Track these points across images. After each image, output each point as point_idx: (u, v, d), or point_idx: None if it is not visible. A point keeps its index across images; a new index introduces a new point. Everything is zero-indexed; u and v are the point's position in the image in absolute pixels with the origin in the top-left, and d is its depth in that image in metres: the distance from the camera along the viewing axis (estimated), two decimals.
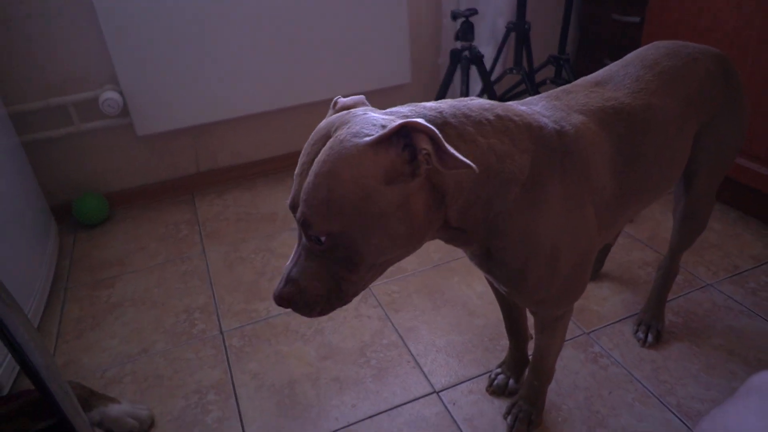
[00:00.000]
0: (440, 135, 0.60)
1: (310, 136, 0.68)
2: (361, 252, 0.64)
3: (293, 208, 0.66)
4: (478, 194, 0.71)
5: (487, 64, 2.22)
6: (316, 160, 0.63)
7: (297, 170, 0.66)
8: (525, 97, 2.38)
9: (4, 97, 1.77)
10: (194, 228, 1.92)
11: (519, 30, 2.03)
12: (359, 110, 0.67)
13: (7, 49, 1.73)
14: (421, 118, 0.66)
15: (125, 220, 2.01)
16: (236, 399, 1.23)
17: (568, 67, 2.10)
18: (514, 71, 2.11)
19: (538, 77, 2.32)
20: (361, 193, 0.61)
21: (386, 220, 0.63)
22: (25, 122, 1.84)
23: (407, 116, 0.67)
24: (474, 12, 1.90)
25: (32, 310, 1.42)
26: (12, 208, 1.47)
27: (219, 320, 1.47)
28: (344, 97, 0.74)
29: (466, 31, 1.92)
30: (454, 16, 1.91)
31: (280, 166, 2.27)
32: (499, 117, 0.72)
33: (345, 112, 0.68)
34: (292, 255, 0.69)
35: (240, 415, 1.19)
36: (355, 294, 0.70)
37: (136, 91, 1.86)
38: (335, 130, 0.65)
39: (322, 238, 0.63)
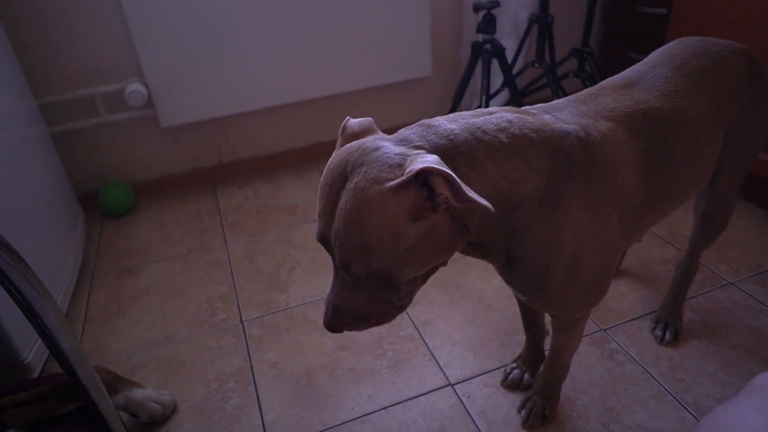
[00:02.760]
0: (456, 178, 0.60)
1: (324, 175, 0.69)
2: (398, 278, 0.68)
3: (323, 242, 0.69)
4: (490, 215, 0.72)
5: (509, 57, 2.20)
6: (342, 206, 0.64)
7: (319, 210, 0.68)
8: (547, 91, 2.37)
9: (34, 88, 1.82)
10: (216, 218, 1.95)
11: (541, 22, 2.01)
12: (369, 144, 0.67)
13: (37, 41, 1.78)
14: (432, 148, 0.67)
15: (150, 210, 2.05)
16: (255, 387, 1.26)
17: (592, 60, 2.07)
18: (536, 64, 2.09)
19: (561, 70, 2.30)
20: (391, 234, 0.63)
21: (417, 251, 0.66)
22: (53, 113, 1.89)
23: (419, 146, 0.67)
24: (496, 4, 1.88)
25: (60, 296, 1.47)
26: (41, 197, 1.52)
27: (239, 310, 1.50)
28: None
29: (488, 24, 1.91)
30: (476, 8, 1.90)
31: (300, 158, 2.30)
32: (514, 137, 0.72)
33: (356, 146, 0.67)
34: (331, 284, 0.72)
35: (259, 402, 1.22)
36: (403, 307, 0.73)
37: (160, 84, 1.90)
38: (351, 173, 0.65)
39: (362, 275, 0.66)
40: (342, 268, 0.66)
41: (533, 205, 0.73)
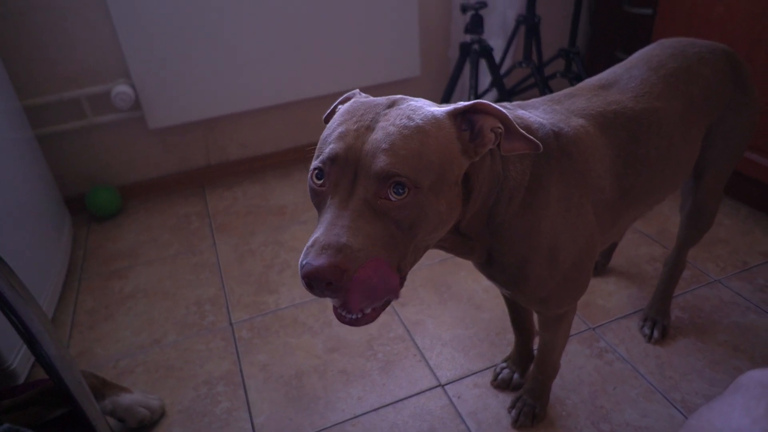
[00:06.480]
0: (508, 115, 0.63)
1: (349, 110, 0.66)
2: (427, 216, 0.61)
3: (342, 160, 0.61)
4: (486, 200, 0.73)
5: (497, 57, 2.21)
6: (395, 118, 0.62)
7: (350, 126, 0.63)
8: (534, 90, 2.38)
9: (18, 90, 1.80)
10: (205, 220, 1.94)
11: (529, 23, 2.02)
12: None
13: (22, 43, 1.76)
14: None
15: (137, 213, 2.03)
16: (245, 390, 1.25)
17: (579, 60, 2.08)
18: (524, 65, 2.10)
19: (548, 71, 2.31)
20: (447, 155, 0.63)
21: (452, 190, 0.64)
22: (39, 116, 1.87)
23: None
24: (483, 5, 1.89)
25: (47, 301, 1.45)
26: (27, 200, 1.50)
27: (229, 312, 1.49)
28: (357, 90, 0.76)
29: (476, 24, 1.91)
30: (464, 9, 1.91)
31: (289, 159, 2.29)
32: None
33: (387, 97, 0.68)
34: (326, 221, 0.59)
35: (249, 405, 1.21)
36: (405, 277, 0.65)
37: (147, 85, 1.88)
38: (396, 102, 0.66)
39: (401, 192, 0.59)
40: (384, 176, 0.59)
41: (521, 195, 0.75)
